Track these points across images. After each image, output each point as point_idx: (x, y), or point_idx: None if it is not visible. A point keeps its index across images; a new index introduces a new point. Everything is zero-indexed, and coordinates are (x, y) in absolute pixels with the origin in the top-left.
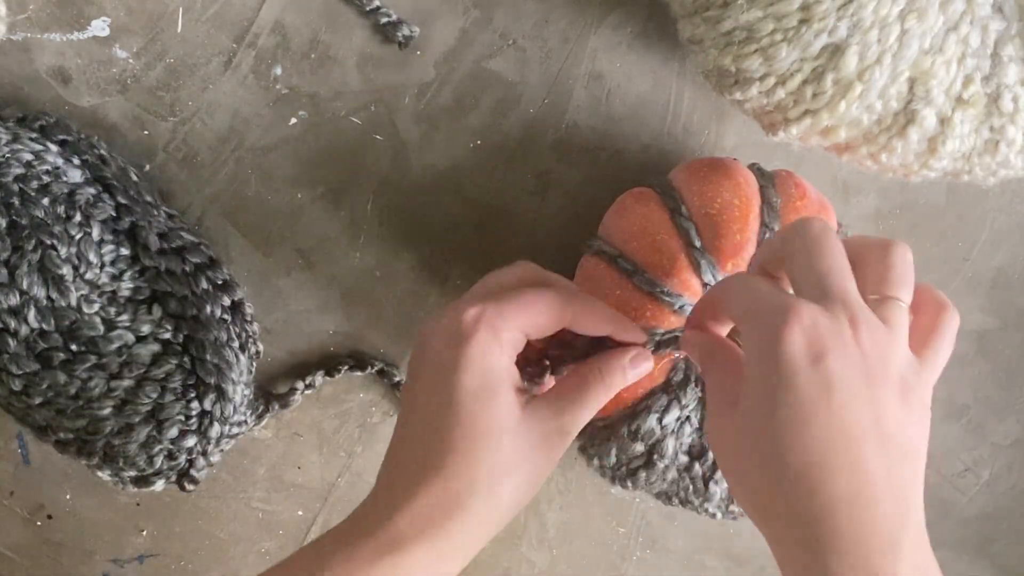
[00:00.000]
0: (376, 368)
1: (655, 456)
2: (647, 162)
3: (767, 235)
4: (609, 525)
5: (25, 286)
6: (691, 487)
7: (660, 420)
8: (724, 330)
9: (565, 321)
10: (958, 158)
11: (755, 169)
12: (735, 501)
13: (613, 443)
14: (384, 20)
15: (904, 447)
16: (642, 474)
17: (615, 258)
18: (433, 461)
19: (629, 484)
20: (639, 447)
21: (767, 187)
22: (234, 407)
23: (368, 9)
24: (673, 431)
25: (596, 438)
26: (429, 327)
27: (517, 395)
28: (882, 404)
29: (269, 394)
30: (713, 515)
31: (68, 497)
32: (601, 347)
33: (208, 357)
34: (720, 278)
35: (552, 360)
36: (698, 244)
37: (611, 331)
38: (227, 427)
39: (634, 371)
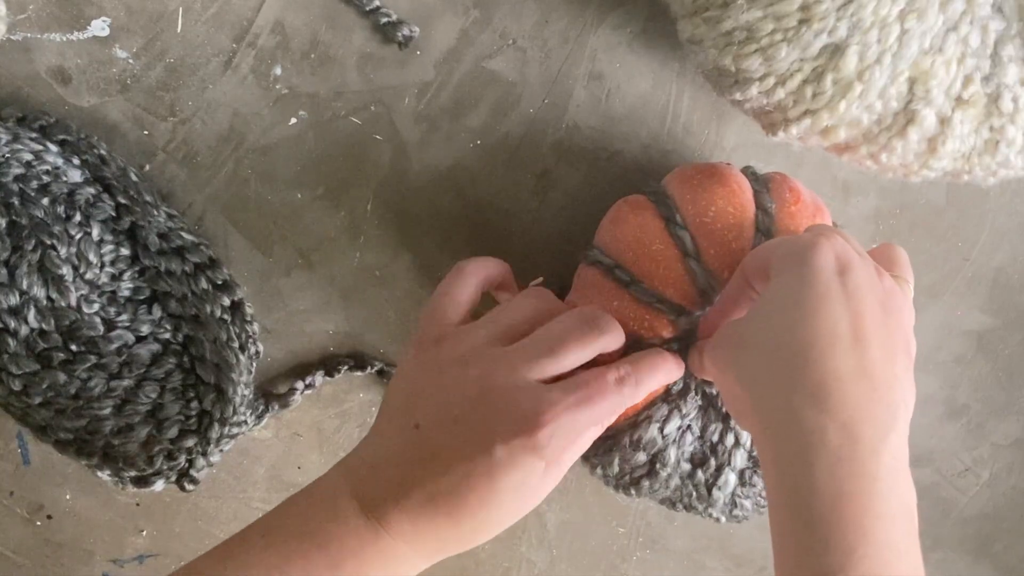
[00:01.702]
0: (376, 368)
1: (657, 465)
2: (647, 162)
3: (762, 241)
4: (609, 525)
5: (25, 286)
6: (694, 493)
7: (661, 430)
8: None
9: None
10: (958, 158)
11: (749, 173)
12: (726, 406)
13: (616, 453)
14: (384, 20)
15: (904, 350)
16: (645, 482)
17: (612, 268)
18: (449, 507)
19: (632, 492)
20: (641, 456)
21: (761, 192)
22: (234, 407)
23: (368, 9)
24: (675, 440)
25: (599, 448)
26: (492, 390)
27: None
28: (890, 313)
29: (269, 394)
30: (717, 519)
31: (68, 497)
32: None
33: (208, 357)
34: (716, 286)
35: None
36: (693, 253)
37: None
38: (227, 427)
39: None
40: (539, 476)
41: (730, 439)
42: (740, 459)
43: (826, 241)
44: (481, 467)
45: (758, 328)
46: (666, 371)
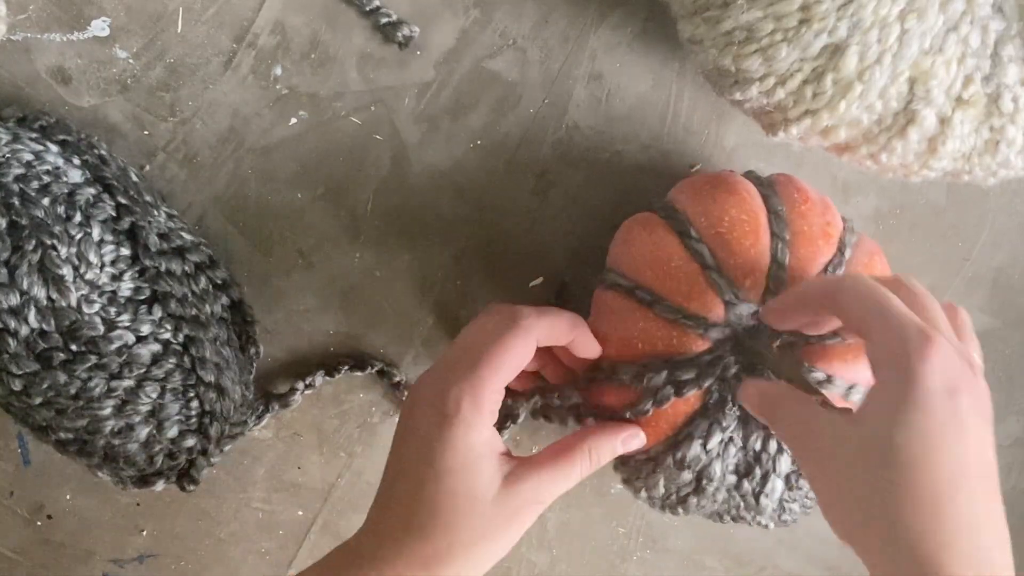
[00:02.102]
0: (376, 368)
1: (704, 481)
2: (647, 162)
3: (778, 244)
4: (609, 525)
5: (25, 286)
6: (742, 504)
7: (704, 445)
8: (806, 320)
9: (532, 351)
10: (958, 158)
11: (753, 178)
12: (826, 516)
13: (660, 474)
14: (384, 20)
15: (996, 483)
16: (693, 499)
17: (632, 290)
18: (418, 523)
19: (680, 511)
20: (687, 475)
21: (770, 196)
22: (234, 407)
23: (368, 9)
24: (718, 454)
25: (641, 471)
26: (414, 401)
27: (500, 462)
28: (989, 443)
29: (269, 394)
30: (766, 526)
31: (68, 497)
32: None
33: (208, 357)
34: (740, 295)
35: (543, 404)
36: (713, 265)
37: (571, 341)
38: (227, 427)
39: (625, 449)
40: (484, 448)
41: (773, 446)
42: (784, 464)
43: (936, 353)
44: (424, 467)
45: (860, 446)
46: (569, 323)
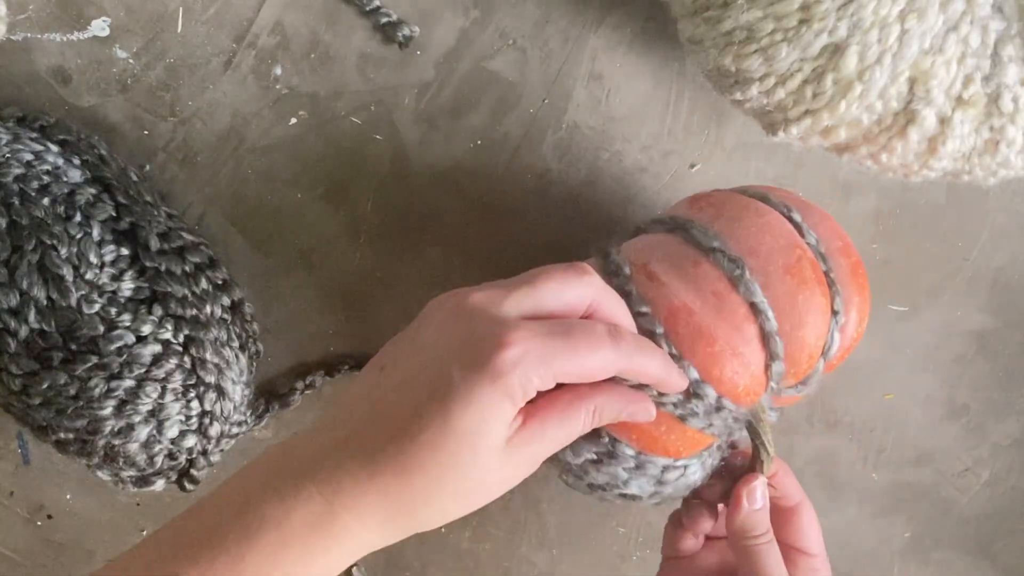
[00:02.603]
0: None
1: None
2: (647, 162)
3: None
4: (609, 525)
5: (25, 286)
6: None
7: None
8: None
9: (612, 375)
10: (958, 158)
11: (758, 195)
12: None
13: (610, 468)
14: (384, 20)
15: None
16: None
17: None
18: (398, 453)
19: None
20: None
21: (801, 226)
22: (234, 407)
23: (368, 9)
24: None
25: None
26: (462, 316)
27: (507, 427)
28: None
29: (269, 394)
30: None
31: (68, 497)
32: None
33: (208, 357)
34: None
35: None
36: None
37: (660, 384)
38: (227, 427)
39: (630, 419)
40: (502, 424)
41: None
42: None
43: None
44: (435, 400)
45: None
46: (663, 366)
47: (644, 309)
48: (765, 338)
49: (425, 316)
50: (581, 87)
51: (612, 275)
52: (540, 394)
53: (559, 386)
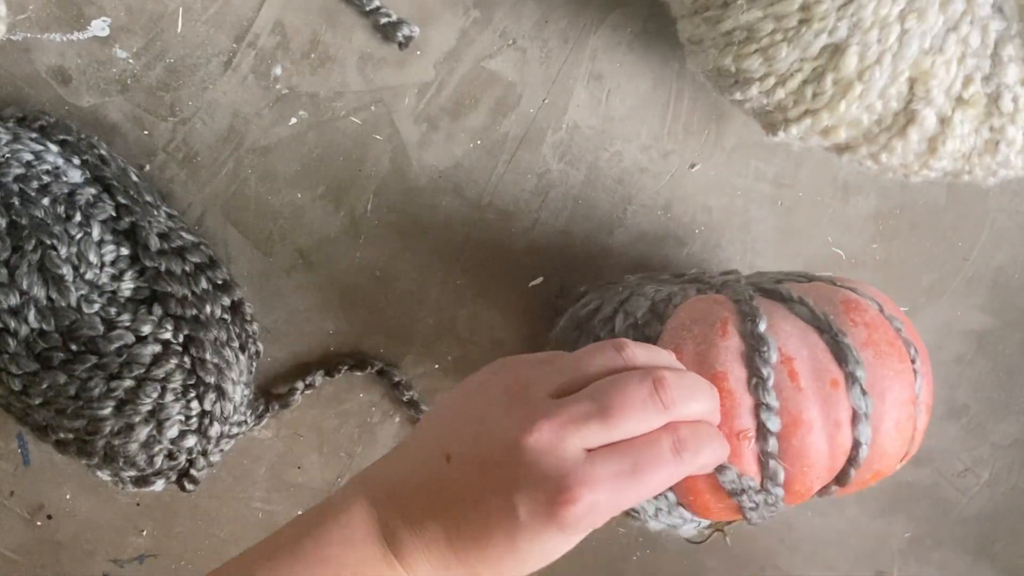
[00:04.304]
0: (376, 368)
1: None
2: (647, 162)
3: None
4: (609, 525)
5: (25, 286)
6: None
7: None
8: None
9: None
10: (958, 158)
11: (895, 323)
12: None
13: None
14: (384, 20)
15: None
16: None
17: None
18: (464, 559)
19: None
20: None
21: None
22: (234, 407)
23: (368, 9)
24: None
25: None
26: (529, 443)
27: None
28: None
29: (269, 394)
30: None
31: (68, 497)
32: None
33: (208, 357)
34: None
35: None
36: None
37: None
38: (227, 427)
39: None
40: (566, 544)
41: None
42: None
43: None
44: (503, 525)
45: None
46: (722, 447)
47: (774, 403)
48: (846, 468)
49: (489, 402)
50: (581, 87)
51: (755, 351)
52: None
53: None
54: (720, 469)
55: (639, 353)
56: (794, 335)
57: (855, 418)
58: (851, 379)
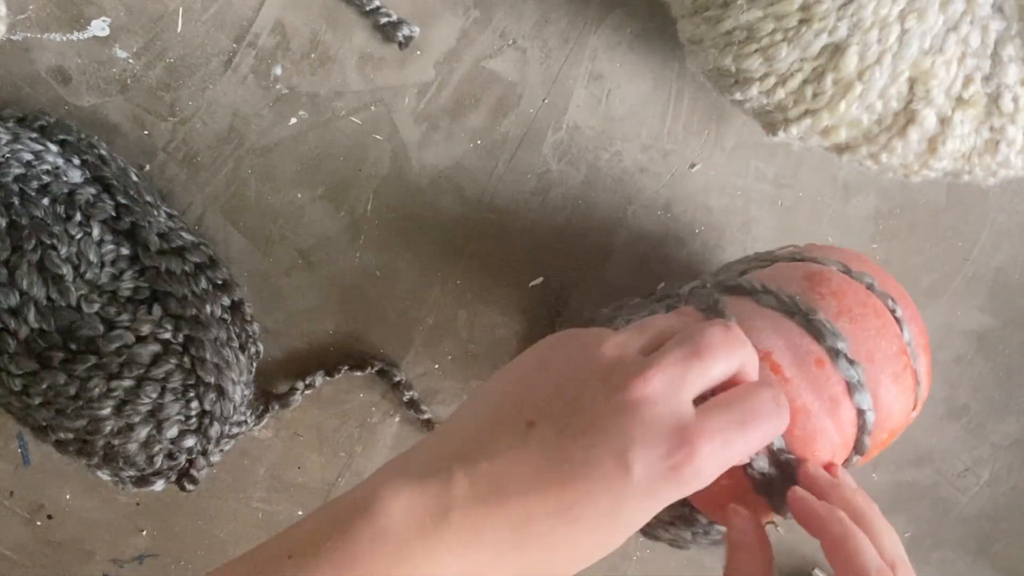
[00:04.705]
0: (376, 368)
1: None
2: (647, 162)
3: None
4: None
5: (25, 286)
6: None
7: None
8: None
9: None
10: (958, 158)
11: (865, 281)
12: None
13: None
14: (384, 20)
15: None
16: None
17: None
18: (548, 531)
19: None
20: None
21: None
22: (234, 407)
23: (368, 9)
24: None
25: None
26: (641, 399)
27: None
28: None
29: (269, 394)
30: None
31: (68, 497)
32: None
33: (208, 357)
34: None
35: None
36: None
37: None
38: (227, 427)
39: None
40: (661, 505)
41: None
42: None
43: None
44: (614, 486)
45: None
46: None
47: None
48: (860, 438)
49: (576, 364)
50: (581, 87)
51: None
52: None
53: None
54: (752, 459)
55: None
56: (766, 327)
57: (850, 389)
58: (834, 353)
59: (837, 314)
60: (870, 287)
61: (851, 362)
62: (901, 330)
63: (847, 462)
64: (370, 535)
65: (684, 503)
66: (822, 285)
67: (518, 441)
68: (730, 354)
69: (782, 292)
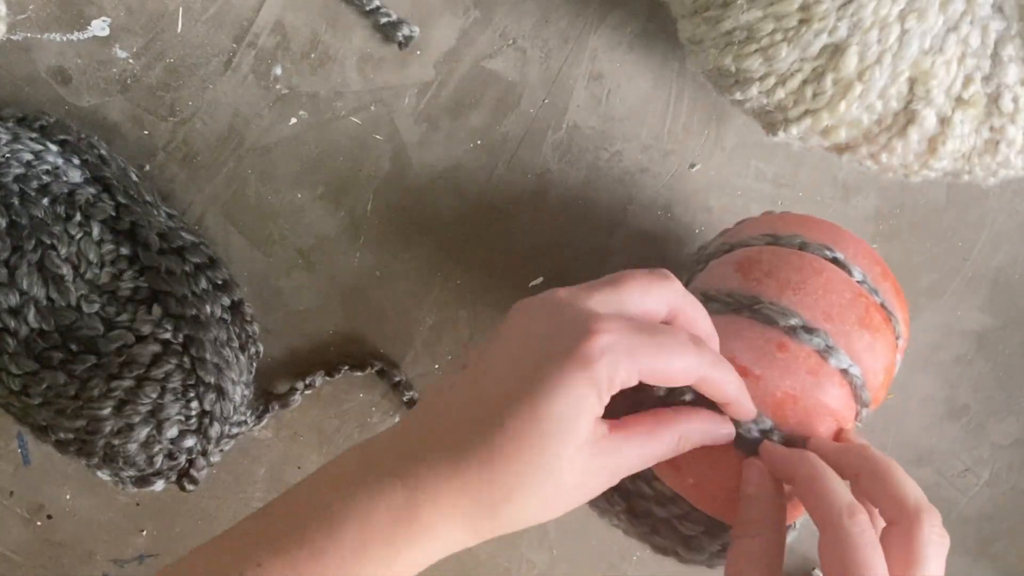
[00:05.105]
0: (376, 368)
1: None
2: (647, 162)
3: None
4: (609, 525)
5: (25, 286)
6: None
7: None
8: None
9: (692, 382)
10: (958, 158)
11: (794, 243)
12: None
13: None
14: (384, 20)
15: None
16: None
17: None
18: (487, 444)
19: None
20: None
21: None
22: (234, 407)
23: (368, 9)
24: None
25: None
26: (548, 309)
27: (596, 424)
28: None
29: (269, 394)
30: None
31: (68, 497)
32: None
33: (208, 357)
34: None
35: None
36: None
37: (730, 404)
38: (227, 427)
39: (712, 443)
40: (589, 416)
41: None
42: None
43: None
44: (524, 389)
45: None
46: (739, 386)
47: (748, 416)
48: (856, 394)
49: (510, 316)
50: (581, 87)
51: None
52: (625, 412)
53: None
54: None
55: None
56: (720, 335)
57: (822, 355)
58: (791, 331)
59: (779, 292)
60: (802, 246)
61: (810, 331)
62: (849, 273)
63: (858, 416)
64: (333, 544)
65: (694, 515)
66: (754, 269)
67: (447, 392)
68: (647, 289)
69: (721, 293)
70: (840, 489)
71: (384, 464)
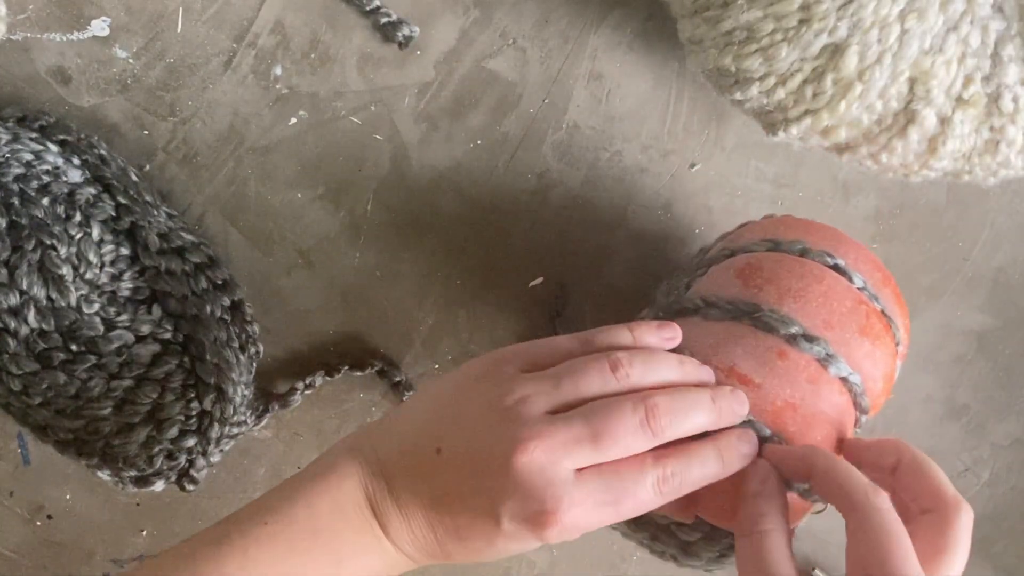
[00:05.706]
0: (376, 368)
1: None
2: (647, 162)
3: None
4: (609, 525)
5: (25, 286)
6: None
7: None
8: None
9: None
10: (958, 158)
11: (796, 249)
12: None
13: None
14: (384, 20)
15: None
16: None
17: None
18: (443, 502)
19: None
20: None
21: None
22: (234, 407)
23: (368, 9)
24: None
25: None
26: (520, 463)
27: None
28: None
29: (269, 394)
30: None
31: (68, 497)
32: None
33: (208, 357)
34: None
35: None
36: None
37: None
38: (227, 427)
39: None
40: (535, 547)
41: None
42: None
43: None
44: (486, 528)
45: None
46: (715, 463)
47: (748, 416)
48: (856, 401)
49: (484, 408)
50: (581, 87)
51: None
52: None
53: None
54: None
55: (634, 372)
56: (721, 342)
57: (822, 364)
58: (791, 339)
59: (779, 299)
60: (803, 253)
61: (811, 339)
62: (850, 280)
63: (857, 423)
64: (330, 508)
65: (704, 530)
66: (755, 276)
67: (426, 463)
68: (634, 445)
69: (722, 300)
70: (859, 473)
71: (373, 500)
